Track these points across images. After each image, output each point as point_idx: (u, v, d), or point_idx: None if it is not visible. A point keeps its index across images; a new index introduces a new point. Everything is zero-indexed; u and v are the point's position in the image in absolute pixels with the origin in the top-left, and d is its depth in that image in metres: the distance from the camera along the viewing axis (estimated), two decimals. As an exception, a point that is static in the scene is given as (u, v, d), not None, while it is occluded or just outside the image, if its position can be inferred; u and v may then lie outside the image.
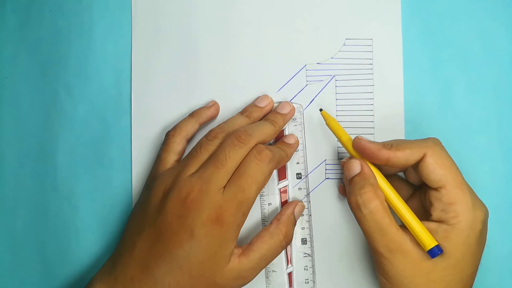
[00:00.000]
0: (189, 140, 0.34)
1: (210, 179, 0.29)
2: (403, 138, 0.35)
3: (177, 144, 0.33)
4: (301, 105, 0.35)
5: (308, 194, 0.35)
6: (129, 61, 0.36)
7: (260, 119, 0.34)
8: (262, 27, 0.36)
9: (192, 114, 0.34)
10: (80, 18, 0.36)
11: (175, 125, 0.34)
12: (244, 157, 0.30)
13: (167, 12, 0.36)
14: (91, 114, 0.36)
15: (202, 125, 0.34)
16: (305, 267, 0.34)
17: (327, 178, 0.35)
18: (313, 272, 0.34)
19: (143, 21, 0.36)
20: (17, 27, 0.37)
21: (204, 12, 0.36)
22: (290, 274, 0.34)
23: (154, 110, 0.36)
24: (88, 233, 0.35)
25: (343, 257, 0.35)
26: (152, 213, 0.30)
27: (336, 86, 0.35)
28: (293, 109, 0.35)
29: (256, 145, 0.31)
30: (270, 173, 0.31)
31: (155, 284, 0.28)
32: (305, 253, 0.34)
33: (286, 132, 0.35)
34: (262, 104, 0.34)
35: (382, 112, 0.35)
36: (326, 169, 0.35)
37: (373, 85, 0.35)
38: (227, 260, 0.29)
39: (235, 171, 0.30)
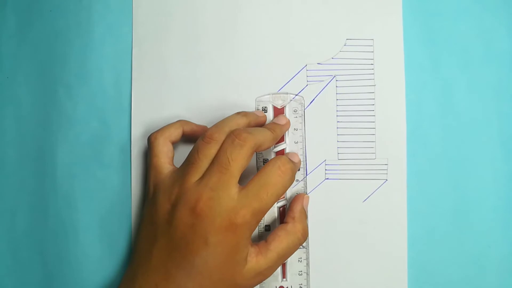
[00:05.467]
0: (174, 143, 0.33)
1: (217, 186, 0.28)
2: (405, 138, 0.35)
3: (162, 146, 0.32)
4: (302, 97, 0.35)
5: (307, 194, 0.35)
6: (129, 61, 0.36)
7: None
8: (262, 27, 0.36)
9: (179, 120, 0.34)
10: (80, 18, 0.36)
11: (158, 129, 0.33)
12: (266, 166, 0.30)
13: (168, 12, 0.36)
14: (91, 114, 0.36)
15: (185, 135, 0.34)
16: (299, 259, 0.35)
17: (327, 179, 0.35)
18: (307, 264, 0.35)
19: (144, 21, 0.36)
20: (17, 27, 0.37)
21: (205, 12, 0.36)
22: (283, 265, 0.34)
23: (154, 110, 0.36)
24: (87, 233, 0.35)
25: (338, 250, 0.35)
26: (162, 224, 0.29)
27: (336, 86, 0.35)
28: (289, 122, 0.35)
29: (279, 156, 0.30)
30: (289, 187, 0.31)
31: None
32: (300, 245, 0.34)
33: (286, 133, 0.35)
34: (257, 113, 0.34)
35: (383, 112, 0.35)
36: (326, 170, 0.35)
37: (374, 85, 0.35)
38: (244, 262, 0.29)
39: (253, 178, 0.29)
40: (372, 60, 0.35)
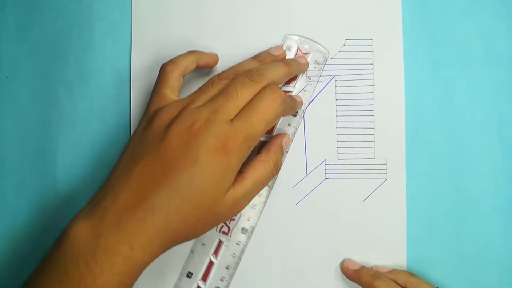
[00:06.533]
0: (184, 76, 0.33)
1: (218, 110, 0.28)
2: (404, 138, 0.35)
3: (176, 80, 0.32)
4: (328, 51, 0.35)
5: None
6: (129, 61, 0.36)
7: None
8: (262, 26, 0.36)
9: (192, 52, 0.34)
10: (80, 17, 0.36)
11: (173, 59, 0.32)
12: (256, 94, 0.30)
13: (168, 12, 0.36)
14: (91, 113, 0.36)
15: (199, 67, 0.34)
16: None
17: (327, 179, 0.35)
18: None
19: (143, 21, 0.36)
20: (17, 27, 0.37)
21: (204, 12, 0.36)
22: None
23: (154, 110, 0.36)
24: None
25: (338, 249, 0.35)
26: (153, 141, 0.28)
27: (336, 86, 0.35)
28: (307, 64, 0.35)
29: (269, 84, 0.30)
30: (280, 115, 0.31)
31: (152, 208, 0.27)
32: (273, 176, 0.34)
33: (298, 77, 0.35)
34: (276, 53, 0.34)
35: (383, 112, 0.35)
36: (326, 169, 0.35)
37: (374, 85, 0.35)
38: (226, 190, 0.29)
39: (245, 106, 0.29)
40: (372, 60, 0.35)
